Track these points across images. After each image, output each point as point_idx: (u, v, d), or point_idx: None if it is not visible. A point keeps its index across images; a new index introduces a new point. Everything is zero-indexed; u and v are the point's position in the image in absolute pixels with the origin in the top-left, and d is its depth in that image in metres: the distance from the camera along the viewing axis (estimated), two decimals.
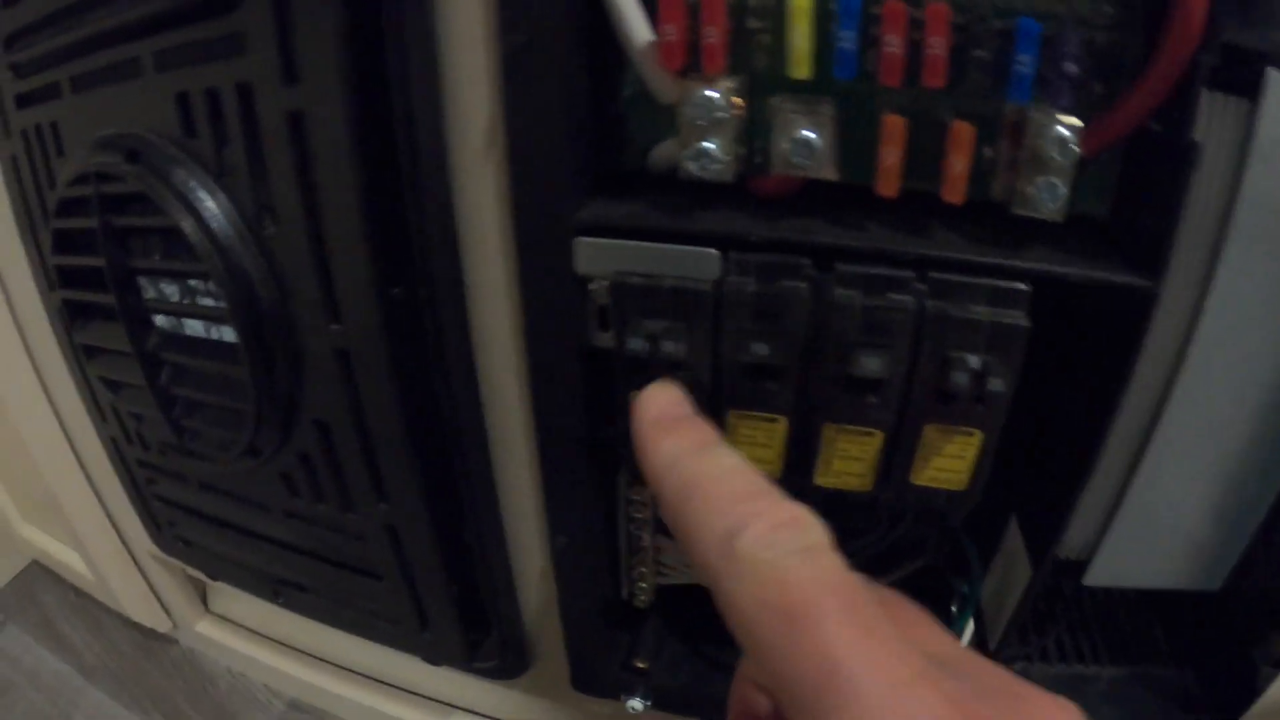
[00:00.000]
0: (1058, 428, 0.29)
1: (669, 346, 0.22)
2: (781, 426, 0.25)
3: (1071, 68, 0.22)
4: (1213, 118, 0.21)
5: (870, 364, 0.23)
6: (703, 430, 0.18)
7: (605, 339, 0.25)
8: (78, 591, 0.59)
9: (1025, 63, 0.20)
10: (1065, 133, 0.20)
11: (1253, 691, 0.34)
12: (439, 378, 0.27)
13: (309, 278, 0.26)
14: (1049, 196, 0.21)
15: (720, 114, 0.22)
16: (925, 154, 0.22)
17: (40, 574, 0.61)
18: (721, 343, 0.23)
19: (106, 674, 0.54)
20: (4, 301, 0.43)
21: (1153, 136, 0.22)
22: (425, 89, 0.23)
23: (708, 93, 0.22)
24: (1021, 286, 0.22)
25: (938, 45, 0.20)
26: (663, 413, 0.18)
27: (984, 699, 0.13)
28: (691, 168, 0.22)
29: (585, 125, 0.23)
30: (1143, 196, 0.23)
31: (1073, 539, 0.32)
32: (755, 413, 0.24)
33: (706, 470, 0.16)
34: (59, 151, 0.33)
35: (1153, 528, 0.30)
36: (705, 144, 0.22)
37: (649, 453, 0.17)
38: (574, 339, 0.25)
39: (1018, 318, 0.22)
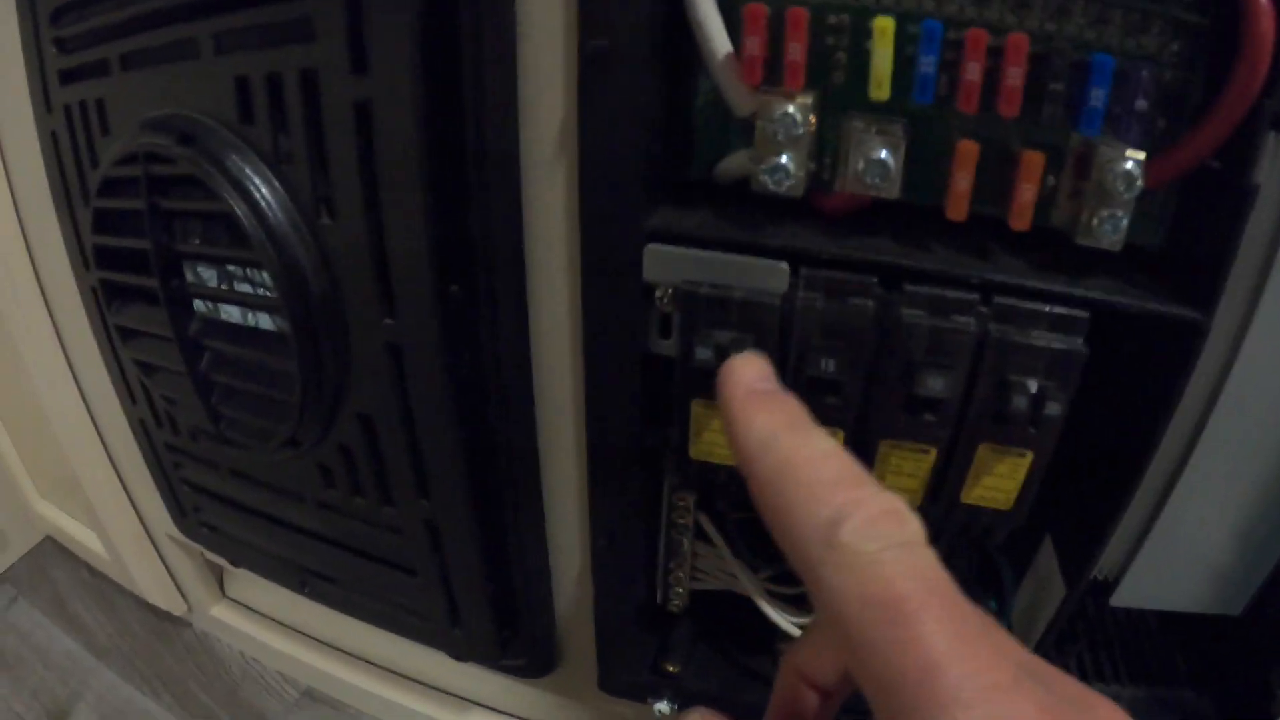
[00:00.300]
0: (1097, 451, 0.29)
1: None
2: (839, 441, 0.25)
3: (1142, 103, 0.22)
4: (1272, 158, 0.21)
5: (934, 384, 0.23)
6: (795, 408, 0.17)
7: (665, 346, 0.25)
8: (91, 570, 0.58)
9: (1098, 97, 0.20)
10: (1131, 167, 0.21)
11: (1269, 716, 0.34)
12: (492, 377, 0.27)
13: (364, 271, 0.26)
14: (1111, 228, 0.21)
15: (798, 130, 0.22)
16: (990, 179, 0.23)
17: (54, 551, 0.61)
18: (787, 356, 0.23)
19: (118, 654, 0.54)
20: (34, 279, 0.43)
21: (1212, 174, 0.22)
22: (500, 86, 0.22)
23: (788, 109, 0.21)
24: (1081, 314, 0.22)
25: (1015, 75, 0.20)
26: (753, 385, 0.17)
27: (1067, 707, 0.13)
28: (766, 181, 0.22)
29: (658, 132, 0.23)
30: (1198, 231, 0.23)
31: (1101, 560, 0.32)
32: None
33: (804, 452, 0.15)
34: (104, 130, 0.33)
35: (1180, 552, 0.31)
36: (781, 158, 0.22)
37: (742, 427, 0.16)
38: (633, 345, 0.25)
39: (1076, 344, 0.22)
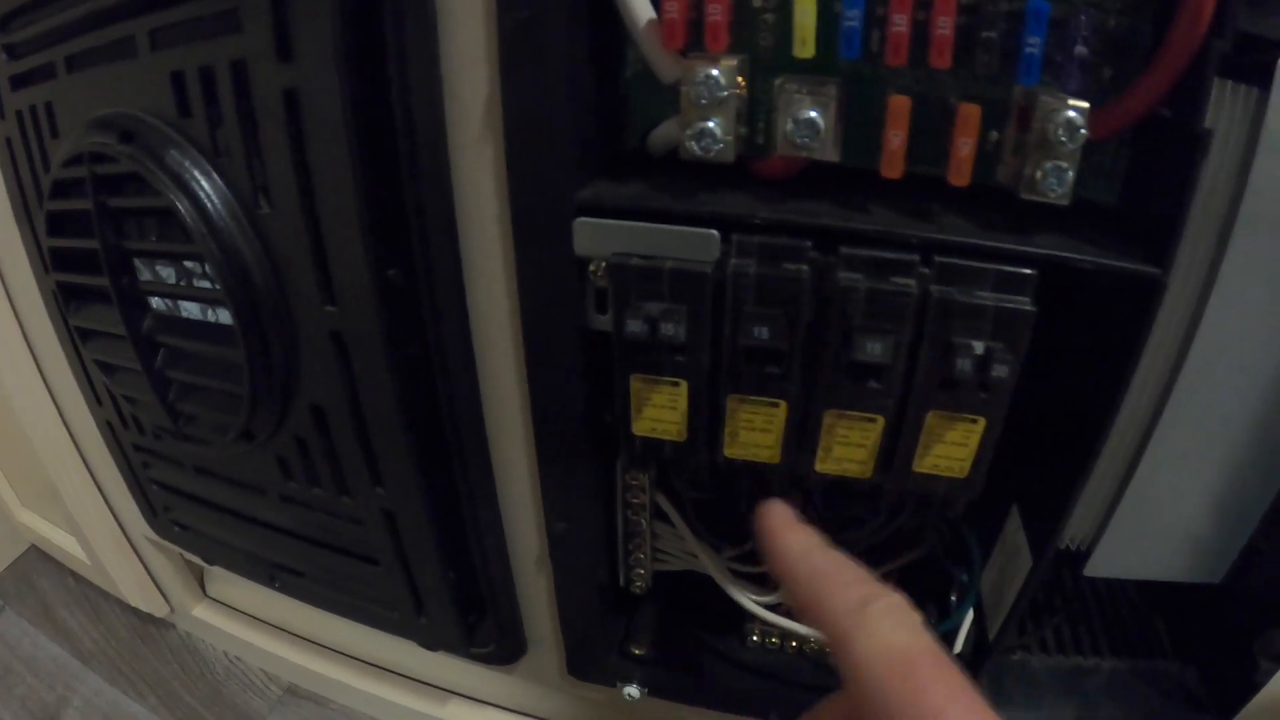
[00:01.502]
0: (1059, 416, 0.28)
1: (668, 329, 0.22)
2: (782, 412, 0.25)
3: (1081, 50, 0.22)
4: (1223, 105, 0.21)
5: (873, 349, 0.22)
6: (815, 533, 0.22)
7: (604, 322, 0.25)
8: (76, 577, 0.59)
9: (1034, 44, 0.20)
10: (1074, 116, 0.20)
11: (1252, 686, 0.33)
12: (435, 361, 0.27)
13: (304, 259, 0.26)
14: (1056, 181, 0.21)
15: (722, 93, 0.21)
16: (929, 137, 0.22)
17: (38, 559, 0.61)
18: (722, 326, 0.23)
19: (104, 659, 0.54)
20: (1, 287, 0.43)
21: (1163, 123, 0.21)
22: (423, 66, 0.22)
23: (711, 71, 0.21)
24: (1027, 272, 0.21)
25: (945, 25, 0.20)
26: (785, 517, 0.23)
27: None
28: (693, 147, 0.22)
29: (586, 105, 0.23)
30: (1151, 183, 0.22)
31: (1074, 530, 0.32)
32: (756, 397, 0.24)
33: (831, 560, 0.21)
34: (53, 133, 0.33)
35: (1154, 519, 0.30)
36: (707, 123, 0.22)
37: (782, 542, 0.22)
38: (572, 321, 0.25)
39: (1023, 303, 0.21)
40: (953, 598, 0.38)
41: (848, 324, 0.22)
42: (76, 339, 0.38)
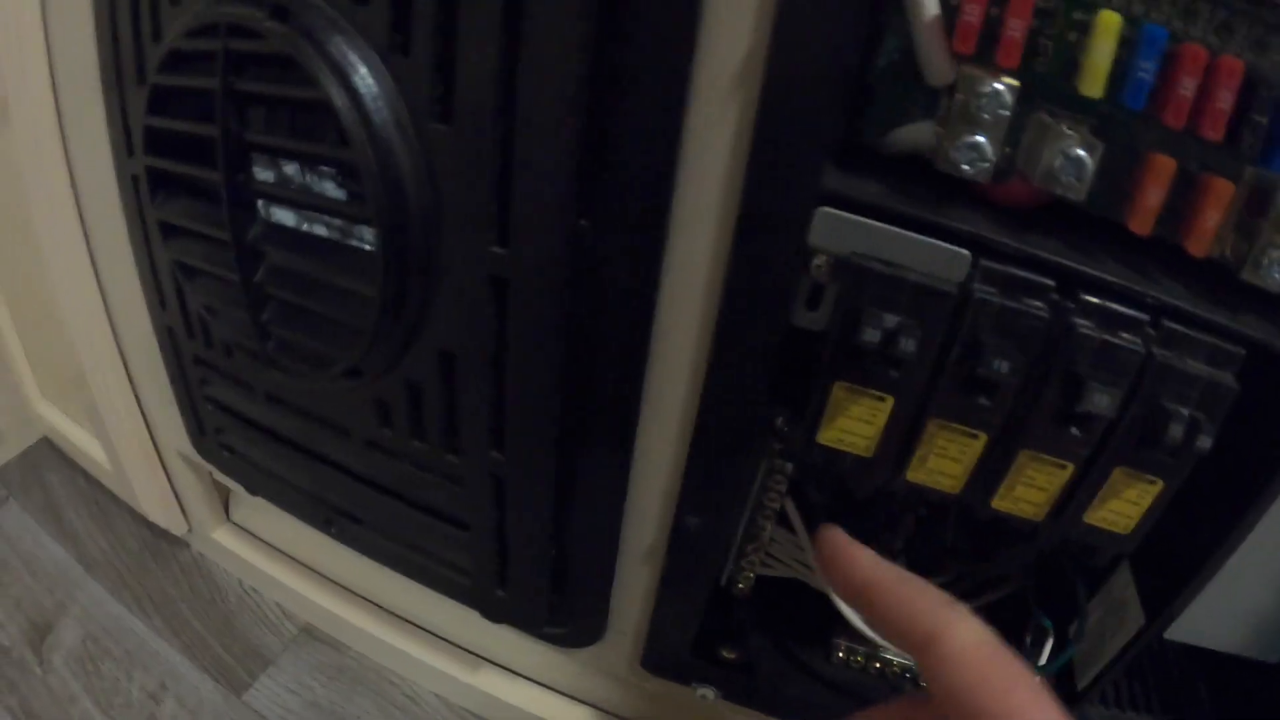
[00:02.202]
0: (1196, 488, 0.28)
1: (904, 344, 0.20)
2: (979, 444, 0.23)
3: None
4: None
5: (1099, 400, 0.21)
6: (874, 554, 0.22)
7: (809, 319, 0.23)
8: (87, 477, 0.55)
9: None
10: None
11: None
12: (607, 328, 0.24)
13: (480, 189, 0.23)
14: (1278, 270, 0.21)
15: (1002, 111, 0.20)
16: (1167, 200, 0.22)
17: (50, 454, 0.57)
18: (952, 350, 0.21)
19: (109, 569, 0.52)
20: (63, 159, 0.39)
21: None
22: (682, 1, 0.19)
23: (997, 87, 0.19)
24: (1238, 350, 0.22)
25: (1225, 99, 0.19)
26: (846, 537, 0.23)
27: None
28: (958, 159, 0.20)
29: (847, 86, 0.20)
30: None
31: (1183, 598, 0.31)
32: (958, 425, 0.23)
33: (903, 572, 0.21)
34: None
35: (1239, 597, 0.31)
36: (978, 138, 0.20)
37: (857, 559, 0.22)
38: (779, 314, 0.22)
39: (1229, 379, 0.22)
40: (1028, 639, 0.38)
41: (1073, 371, 0.22)
42: (154, 233, 0.34)
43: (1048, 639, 0.36)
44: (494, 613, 0.34)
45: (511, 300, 0.24)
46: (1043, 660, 0.34)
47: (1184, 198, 0.21)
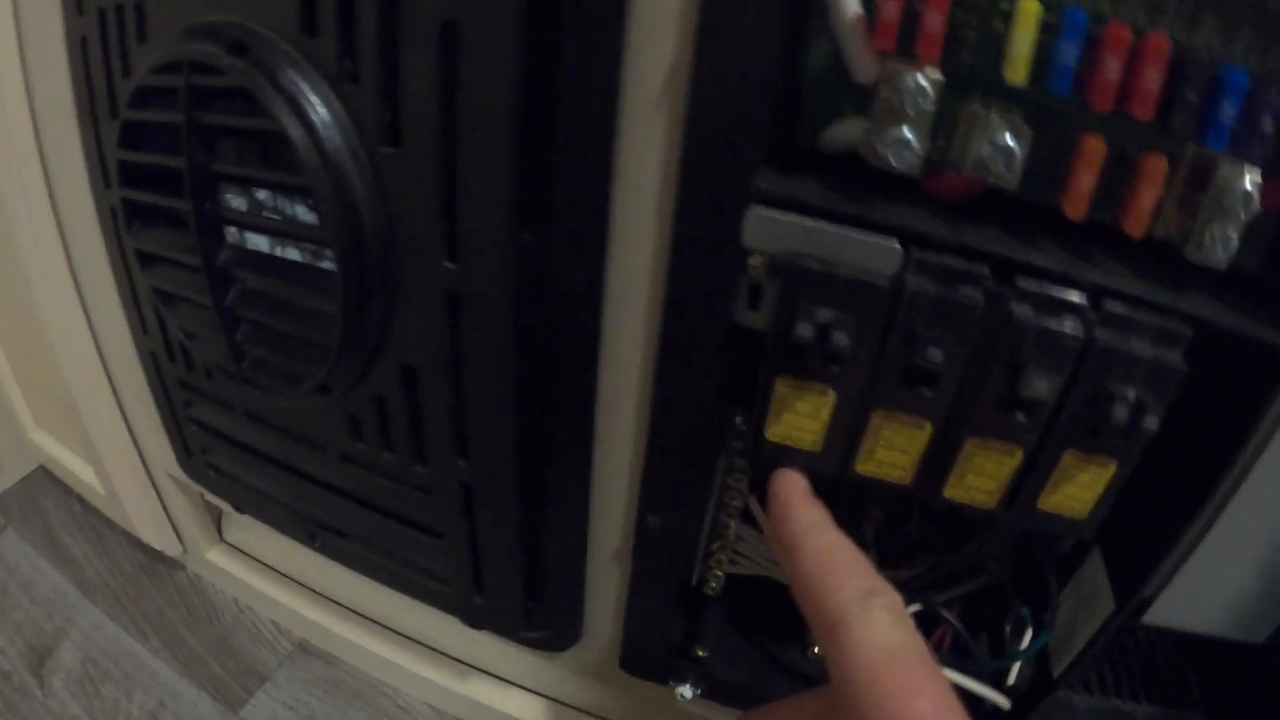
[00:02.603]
0: (1160, 470, 0.28)
1: (838, 338, 0.21)
2: (925, 434, 0.24)
3: (1268, 125, 0.21)
4: None
5: (1039, 385, 0.22)
6: (826, 511, 0.22)
7: (750, 318, 0.23)
8: (83, 503, 0.56)
9: (1228, 112, 0.20)
10: (1250, 188, 0.20)
11: None
12: (557, 335, 0.25)
13: (428, 208, 0.24)
14: (1222, 246, 0.21)
15: (925, 105, 0.20)
16: (1101, 182, 0.22)
17: (46, 481, 0.58)
18: (889, 342, 0.21)
19: (106, 592, 0.52)
20: (48, 196, 0.40)
21: None
22: (606, 18, 0.20)
23: (920, 80, 0.20)
24: (1185, 330, 0.22)
25: (1153, 79, 0.19)
26: (801, 488, 0.23)
27: None
28: (886, 154, 0.20)
29: (772, 89, 0.21)
30: None
31: (1152, 581, 0.31)
32: (903, 415, 0.23)
33: (840, 541, 0.21)
34: (141, 37, 0.30)
35: (1216, 577, 0.31)
36: (903, 132, 0.20)
37: (793, 516, 0.21)
38: (720, 314, 0.23)
39: (1176, 359, 0.22)
40: (1007, 628, 0.38)
41: (1013, 358, 0.22)
42: (133, 262, 0.35)
43: (1027, 628, 0.36)
44: (474, 619, 0.34)
45: (465, 313, 0.25)
46: (1021, 648, 0.35)
47: (1121, 180, 0.21)
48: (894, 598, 0.19)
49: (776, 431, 0.23)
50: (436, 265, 0.24)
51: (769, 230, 0.21)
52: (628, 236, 0.23)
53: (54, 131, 0.37)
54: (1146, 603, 0.32)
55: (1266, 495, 0.26)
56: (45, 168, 0.39)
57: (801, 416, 0.23)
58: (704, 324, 0.23)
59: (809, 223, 0.21)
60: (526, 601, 0.32)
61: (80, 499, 0.56)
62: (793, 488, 0.22)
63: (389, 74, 0.23)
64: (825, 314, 0.21)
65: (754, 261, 0.22)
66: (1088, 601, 0.34)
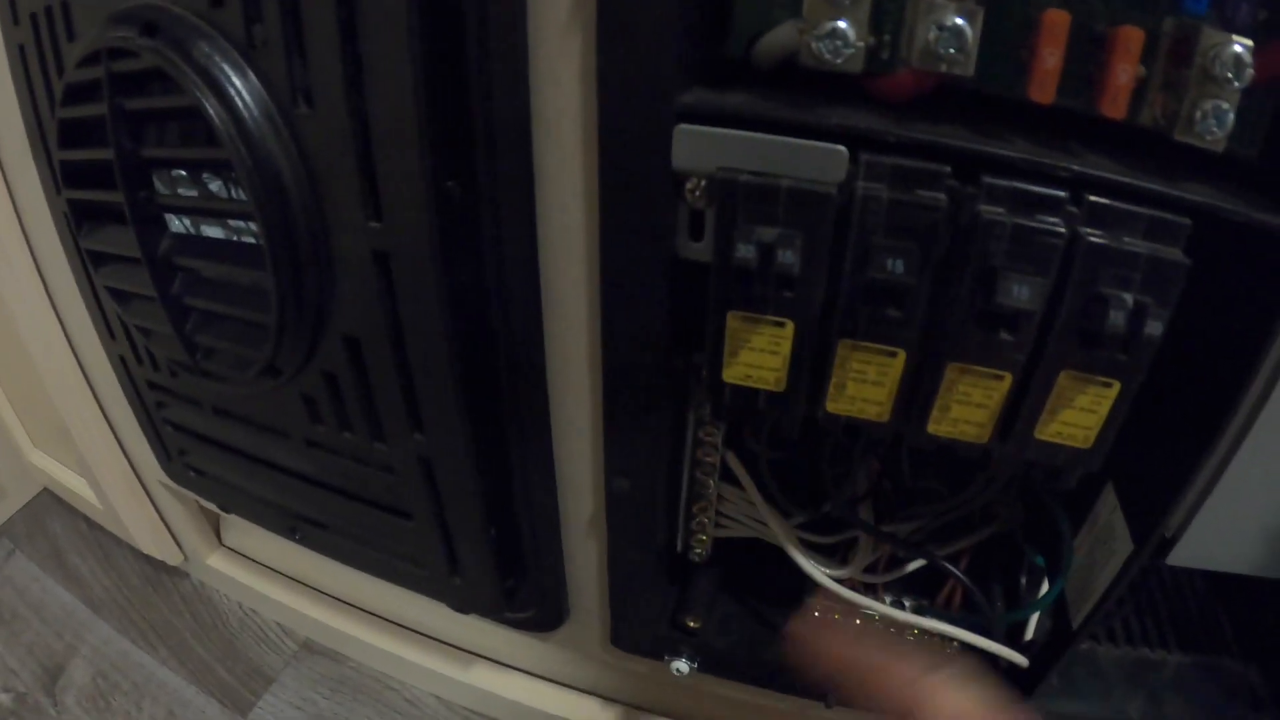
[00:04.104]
0: (1172, 389, 0.25)
1: (784, 257, 0.19)
2: (899, 362, 0.21)
3: None
4: None
5: (1018, 293, 0.19)
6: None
7: (696, 250, 0.22)
8: (89, 522, 0.57)
9: None
10: (1241, 51, 0.18)
11: None
12: (494, 289, 0.23)
13: (347, 167, 0.22)
14: (1215, 122, 0.19)
15: None
16: (1073, 66, 0.20)
17: (51, 503, 0.59)
18: (842, 259, 0.19)
19: (114, 607, 0.53)
20: (12, 213, 0.39)
21: None
22: None
23: None
24: (1183, 220, 0.19)
25: None
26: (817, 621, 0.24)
27: None
28: (820, 49, 0.19)
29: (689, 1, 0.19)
30: None
31: (1171, 517, 0.29)
32: (872, 344, 0.21)
33: (878, 645, 0.21)
34: (70, 35, 0.29)
35: (1244, 511, 0.28)
36: (838, 23, 0.18)
37: (828, 643, 0.21)
38: (660, 248, 0.21)
39: (1177, 254, 0.19)
40: (1023, 579, 0.36)
41: (987, 264, 0.19)
42: (88, 264, 0.35)
43: (1043, 576, 0.34)
44: (457, 602, 0.33)
45: (395, 272, 0.23)
46: (1036, 599, 0.32)
47: (1094, 60, 0.19)
48: (948, 673, 0.20)
49: (735, 372, 0.22)
50: (362, 225, 0.23)
51: (700, 148, 0.19)
52: (554, 174, 0.21)
53: (11, 148, 0.37)
54: (1169, 542, 0.30)
55: None
56: (8, 186, 0.39)
57: (759, 353, 0.21)
58: (645, 260, 0.21)
59: (742, 135, 0.19)
60: (504, 580, 0.31)
61: (85, 518, 0.57)
62: (810, 624, 0.24)
63: (294, 34, 0.22)
64: (768, 233, 0.19)
65: (690, 185, 0.20)
66: (1104, 543, 0.31)
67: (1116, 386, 0.21)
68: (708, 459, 0.27)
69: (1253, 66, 0.18)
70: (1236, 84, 0.18)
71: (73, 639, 0.51)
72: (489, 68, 0.20)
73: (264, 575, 0.50)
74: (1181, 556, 0.29)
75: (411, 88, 0.20)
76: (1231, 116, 0.19)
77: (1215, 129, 0.19)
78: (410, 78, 0.20)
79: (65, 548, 0.56)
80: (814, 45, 0.19)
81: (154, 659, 0.49)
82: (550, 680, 0.41)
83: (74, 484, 0.54)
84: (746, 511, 0.29)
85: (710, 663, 0.32)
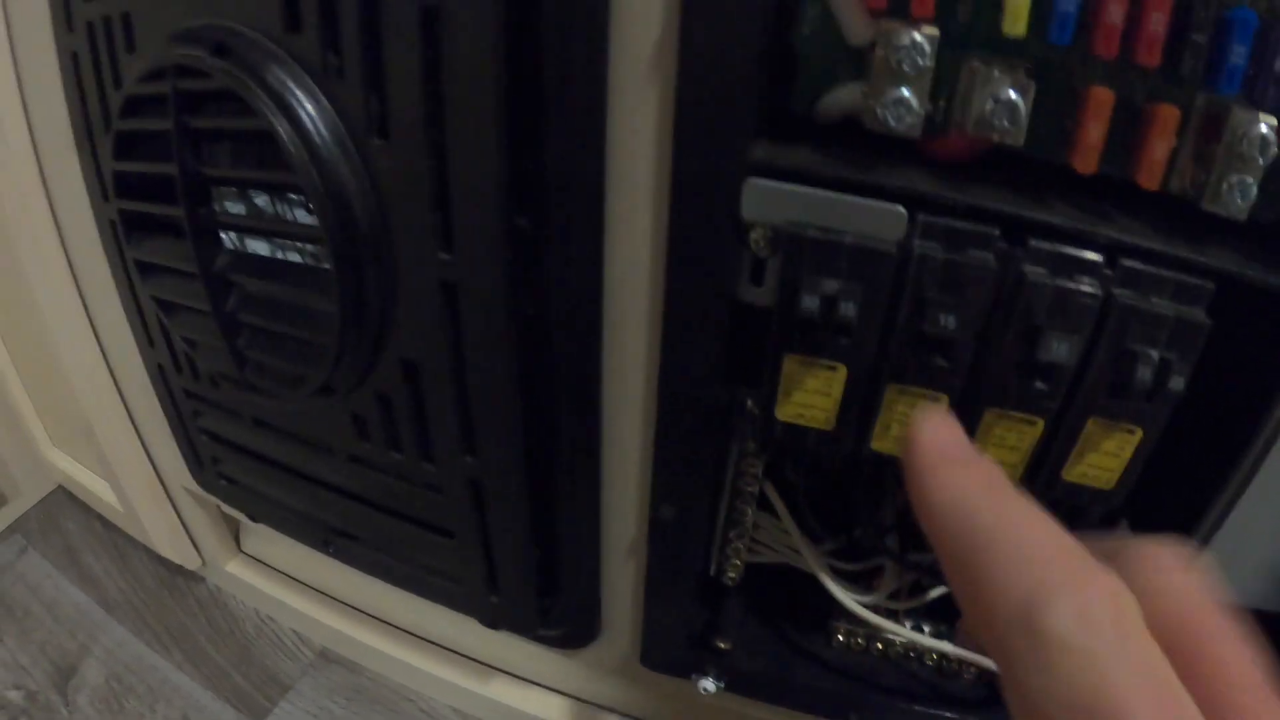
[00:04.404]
0: (1189, 434, 0.27)
1: (846, 309, 0.20)
2: (942, 407, 0.23)
3: None
4: None
5: (1057, 349, 0.21)
6: (994, 470, 0.15)
7: (757, 294, 0.23)
8: (104, 521, 0.57)
9: (1240, 54, 0.19)
10: (1266, 131, 0.19)
11: None
12: (558, 323, 0.24)
13: (420, 199, 0.23)
14: (1240, 195, 0.20)
15: (924, 62, 0.20)
16: (1111, 136, 0.21)
17: (65, 500, 0.59)
18: (899, 310, 0.21)
19: (129, 609, 0.53)
20: (50, 215, 0.40)
21: None
22: None
23: (915, 38, 0.19)
24: (1206, 284, 0.21)
25: (1158, 21, 0.19)
26: (948, 444, 0.16)
27: None
28: (885, 117, 0.20)
29: (765, 57, 0.20)
30: None
31: None
32: (917, 389, 0.22)
33: (1004, 516, 0.13)
34: (129, 46, 0.30)
35: (1251, 547, 0.29)
36: (902, 92, 0.20)
37: (932, 488, 0.15)
38: (723, 291, 0.22)
39: (1200, 315, 0.21)
40: None
41: (1029, 321, 0.21)
42: (134, 273, 0.35)
43: None
44: (490, 618, 0.34)
45: (462, 304, 0.24)
46: None
47: (1132, 131, 0.21)
48: (1088, 591, 0.12)
49: (787, 411, 0.23)
50: (432, 256, 0.24)
51: (768, 201, 0.20)
52: (624, 217, 0.22)
53: (52, 150, 0.37)
54: None
55: None
56: (46, 185, 0.39)
57: (812, 394, 0.22)
58: (707, 303, 0.22)
59: (809, 191, 0.20)
60: (542, 599, 0.32)
61: (100, 517, 0.57)
62: (929, 449, 0.15)
63: (373, 65, 0.22)
64: (830, 285, 0.20)
65: (755, 235, 0.21)
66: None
67: (1139, 433, 0.23)
68: (748, 488, 0.28)
69: (1278, 145, 0.19)
70: (1261, 161, 0.20)
71: (86, 639, 0.51)
72: (569, 112, 0.21)
73: (282, 583, 0.50)
74: None
75: (494, 130, 0.21)
76: (1255, 189, 0.20)
77: (1240, 200, 0.20)
78: (493, 120, 0.21)
79: (79, 546, 0.57)
80: (879, 111, 0.20)
81: (169, 662, 0.49)
82: (571, 696, 0.42)
83: (92, 483, 0.54)
84: (780, 539, 0.30)
85: (737, 683, 0.33)
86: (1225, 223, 0.20)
